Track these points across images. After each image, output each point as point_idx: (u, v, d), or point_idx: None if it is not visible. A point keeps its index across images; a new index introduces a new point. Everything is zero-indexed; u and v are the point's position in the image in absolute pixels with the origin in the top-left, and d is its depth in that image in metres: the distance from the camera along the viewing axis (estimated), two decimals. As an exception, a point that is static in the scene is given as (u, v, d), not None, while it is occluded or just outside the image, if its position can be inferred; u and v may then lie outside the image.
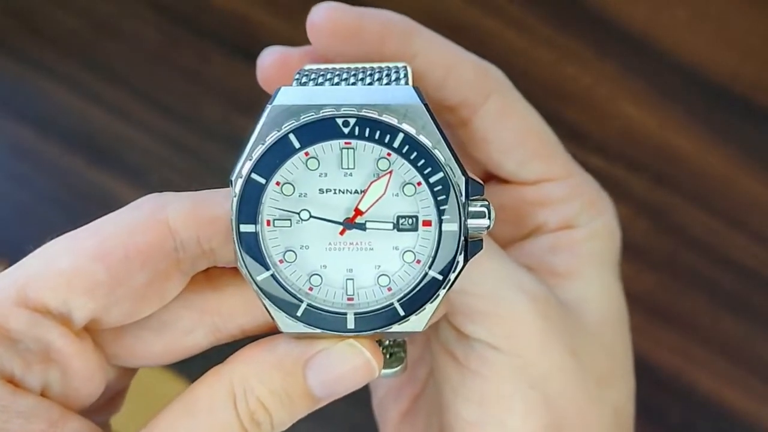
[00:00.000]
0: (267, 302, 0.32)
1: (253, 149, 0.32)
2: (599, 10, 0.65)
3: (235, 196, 0.32)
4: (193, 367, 0.37)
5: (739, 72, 0.65)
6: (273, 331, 0.35)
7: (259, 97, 0.65)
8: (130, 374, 0.40)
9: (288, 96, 0.32)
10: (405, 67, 0.34)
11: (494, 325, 0.37)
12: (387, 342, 0.39)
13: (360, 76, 0.33)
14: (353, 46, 0.39)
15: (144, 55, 0.67)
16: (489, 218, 0.32)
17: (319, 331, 0.33)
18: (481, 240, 0.33)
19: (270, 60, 0.42)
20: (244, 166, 0.32)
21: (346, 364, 0.33)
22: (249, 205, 0.32)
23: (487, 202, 0.32)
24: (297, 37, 0.66)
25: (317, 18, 0.39)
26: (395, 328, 0.33)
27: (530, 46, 0.65)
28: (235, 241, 0.32)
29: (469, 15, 0.65)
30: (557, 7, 0.66)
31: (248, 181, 0.32)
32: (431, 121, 0.32)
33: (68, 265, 0.33)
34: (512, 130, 0.42)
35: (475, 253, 0.32)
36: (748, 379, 0.64)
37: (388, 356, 0.38)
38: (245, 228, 0.32)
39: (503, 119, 0.42)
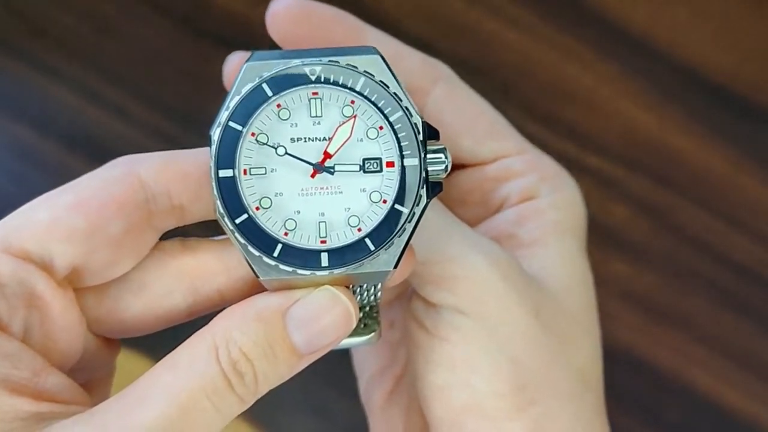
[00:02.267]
0: (244, 243, 0.34)
1: (230, 100, 0.35)
2: (600, 10, 0.65)
3: (213, 144, 0.34)
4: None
5: (740, 72, 0.65)
6: (251, 294, 0.36)
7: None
8: (112, 353, 0.40)
9: (262, 55, 0.35)
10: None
11: (459, 288, 0.39)
12: (361, 309, 0.40)
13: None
14: (308, 31, 0.43)
15: (144, 55, 0.67)
16: (446, 157, 0.35)
17: (297, 272, 0.34)
18: (441, 183, 0.36)
19: (236, 64, 0.44)
20: (222, 116, 0.34)
21: (325, 312, 0.34)
22: (227, 151, 0.34)
23: (443, 146, 0.35)
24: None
25: (276, 7, 0.43)
26: (367, 266, 0.35)
27: (531, 47, 0.65)
28: (214, 186, 0.34)
29: (469, 16, 0.66)
30: (558, 7, 0.66)
31: (226, 128, 0.34)
32: (389, 71, 0.35)
33: (47, 216, 0.35)
34: (463, 113, 0.45)
35: (436, 194, 0.35)
36: (747, 380, 0.64)
37: (362, 326, 0.40)
38: (224, 173, 0.34)
39: (453, 102, 0.45)
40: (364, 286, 0.38)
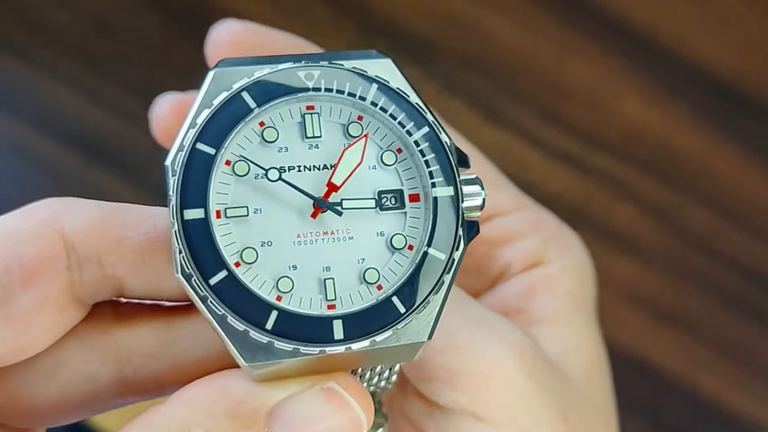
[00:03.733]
0: (222, 313, 0.24)
1: (197, 115, 0.25)
2: (603, 7, 0.65)
3: (174, 173, 0.25)
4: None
5: (746, 70, 0.65)
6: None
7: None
8: None
9: (233, 61, 0.26)
10: None
11: (476, 388, 0.31)
12: None
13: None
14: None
15: (143, 54, 0.66)
16: (482, 188, 0.27)
17: (301, 351, 0.24)
18: (477, 223, 0.27)
19: (167, 108, 0.37)
20: (186, 137, 0.25)
21: (325, 418, 0.25)
22: (195, 184, 0.25)
23: (474, 174, 0.27)
24: (297, 34, 0.66)
25: (218, 34, 0.37)
26: (394, 337, 0.25)
27: (534, 43, 0.65)
28: (176, 234, 0.24)
29: (472, 12, 0.65)
30: (560, 3, 0.65)
31: (193, 152, 0.25)
32: (404, 78, 0.27)
33: None
34: None
35: (473, 237, 0.27)
36: (752, 382, 0.63)
37: None
38: (191, 214, 0.24)
39: None
40: (379, 367, 0.29)
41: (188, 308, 0.28)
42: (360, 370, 0.28)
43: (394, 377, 0.30)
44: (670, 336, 0.64)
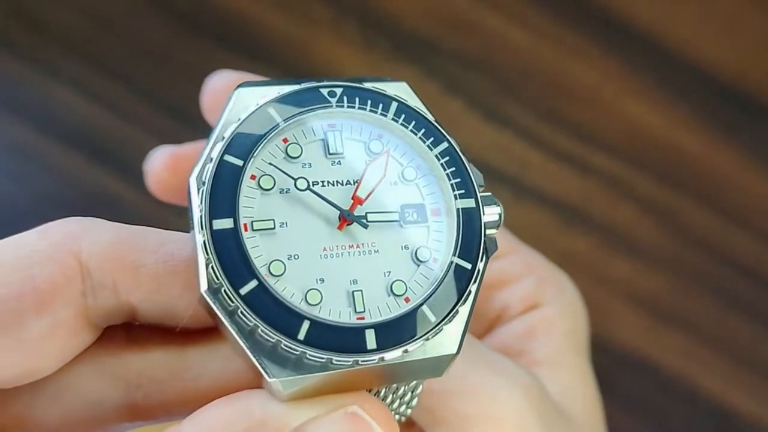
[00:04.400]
0: (254, 324, 0.24)
1: (224, 129, 0.26)
2: (605, 7, 0.65)
3: (203, 186, 0.25)
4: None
5: (747, 71, 0.65)
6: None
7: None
8: None
9: (254, 83, 0.27)
10: None
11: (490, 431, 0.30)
12: None
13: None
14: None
15: (145, 54, 0.66)
16: (498, 205, 0.28)
17: (334, 361, 0.24)
18: (495, 239, 0.28)
19: (161, 163, 0.37)
20: (213, 149, 0.25)
21: None
22: (223, 195, 0.25)
23: (489, 193, 0.28)
24: (296, 34, 0.66)
25: (214, 83, 0.37)
26: (421, 349, 0.25)
27: (535, 44, 0.65)
28: (206, 246, 0.24)
29: (474, 13, 0.65)
30: (562, 4, 0.65)
31: (221, 164, 0.25)
32: (419, 99, 0.28)
33: None
34: None
35: (492, 252, 0.27)
36: (752, 382, 0.63)
37: None
38: (220, 224, 0.24)
39: None
40: (402, 388, 0.28)
41: (200, 334, 0.28)
42: (383, 392, 0.28)
43: (416, 401, 0.29)
44: (670, 336, 0.64)
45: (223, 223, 0.24)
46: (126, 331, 0.28)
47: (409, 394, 0.29)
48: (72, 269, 0.25)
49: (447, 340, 0.26)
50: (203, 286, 0.24)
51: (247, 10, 0.66)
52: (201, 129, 0.65)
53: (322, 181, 0.26)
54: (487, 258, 0.27)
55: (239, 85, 0.27)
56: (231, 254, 0.24)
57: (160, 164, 0.38)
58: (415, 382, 0.28)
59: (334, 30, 0.65)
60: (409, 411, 0.29)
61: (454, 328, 0.26)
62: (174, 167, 0.37)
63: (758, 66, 0.65)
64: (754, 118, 0.64)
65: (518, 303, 0.39)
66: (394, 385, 0.28)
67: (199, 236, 0.24)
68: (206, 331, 0.27)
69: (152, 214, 0.61)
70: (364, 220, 0.26)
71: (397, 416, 0.29)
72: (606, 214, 0.63)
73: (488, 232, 0.27)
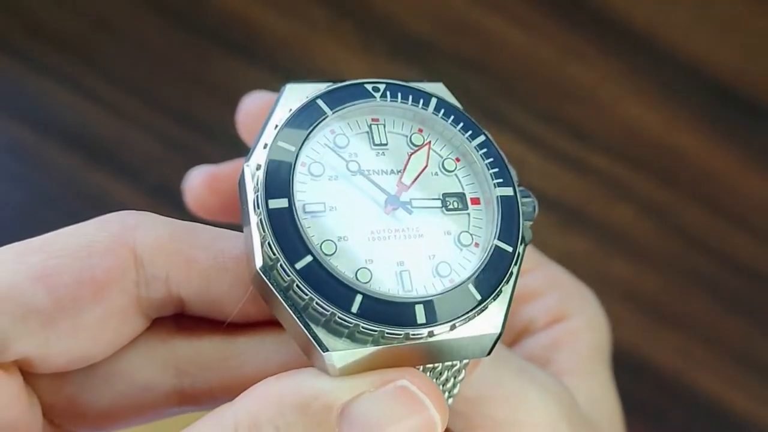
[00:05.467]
0: (309, 296, 0.25)
1: (277, 119, 0.28)
2: (603, 8, 0.65)
3: (258, 169, 0.26)
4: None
5: (744, 71, 0.65)
6: None
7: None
8: None
9: (300, 81, 0.29)
10: None
11: None
12: None
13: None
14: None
15: (143, 55, 0.66)
16: (534, 199, 0.29)
17: (386, 333, 0.25)
18: (530, 231, 0.29)
19: (200, 182, 0.38)
20: (267, 136, 0.27)
21: (399, 420, 0.24)
22: (278, 177, 0.26)
23: (522, 187, 0.29)
24: (294, 36, 0.66)
25: (250, 103, 0.38)
26: (467, 327, 0.26)
27: (534, 44, 0.65)
28: (262, 223, 0.25)
29: (472, 14, 0.65)
30: (560, 5, 0.65)
31: (275, 149, 0.27)
32: (454, 98, 0.30)
33: (3, 282, 0.25)
34: None
35: (529, 242, 0.29)
36: (750, 381, 0.64)
37: None
38: (275, 203, 0.26)
39: None
40: (446, 374, 0.29)
41: (246, 326, 0.29)
42: (429, 372, 0.28)
43: (459, 387, 0.30)
44: (669, 336, 0.64)
45: (279, 203, 0.26)
46: (175, 320, 0.29)
47: (452, 380, 0.29)
48: (127, 261, 0.26)
49: (491, 320, 0.27)
50: (258, 263, 0.25)
51: (246, 11, 0.66)
52: (200, 129, 0.65)
53: (369, 170, 0.28)
54: (526, 244, 0.28)
55: (288, 82, 0.29)
56: (287, 230, 0.25)
57: (198, 183, 0.39)
58: (457, 367, 0.29)
59: (332, 31, 0.65)
60: (450, 401, 0.30)
61: (498, 308, 0.27)
62: (212, 186, 0.38)
63: (757, 66, 0.65)
64: (752, 118, 0.64)
65: (544, 316, 0.39)
66: (438, 370, 0.29)
67: (254, 216, 0.26)
68: (252, 325, 0.29)
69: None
70: (409, 206, 0.28)
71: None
72: (604, 214, 0.63)
73: (525, 221, 0.28)
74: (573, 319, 0.40)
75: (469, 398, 0.30)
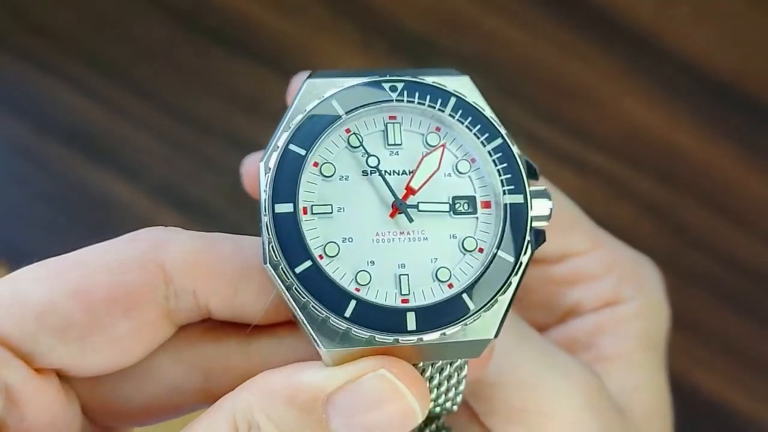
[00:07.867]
0: (306, 300, 0.26)
1: (290, 119, 0.28)
2: (603, 7, 0.65)
3: (268, 172, 0.27)
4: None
5: (745, 70, 0.65)
6: None
7: (260, 95, 0.65)
8: None
9: (324, 73, 0.29)
10: None
11: (535, 426, 0.31)
12: (433, 422, 0.32)
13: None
14: None
15: (143, 53, 0.66)
16: (550, 199, 0.29)
17: (376, 339, 0.26)
18: (544, 232, 0.29)
19: (255, 168, 0.39)
20: (280, 138, 0.28)
21: (378, 407, 0.26)
22: (286, 181, 0.27)
23: (543, 187, 0.29)
24: (294, 34, 0.66)
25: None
26: (461, 332, 0.27)
27: (533, 43, 0.65)
28: (268, 226, 0.27)
29: (472, 12, 0.65)
30: (560, 4, 0.65)
31: (285, 152, 0.27)
32: (480, 94, 0.30)
33: (40, 298, 0.27)
34: None
35: (540, 244, 0.29)
36: (752, 380, 0.63)
37: None
38: (281, 208, 0.27)
39: None
40: (447, 369, 0.30)
41: (268, 327, 0.30)
42: (429, 372, 0.29)
43: (460, 396, 0.31)
44: (669, 335, 0.64)
45: (284, 208, 0.27)
46: (201, 323, 0.31)
47: (456, 375, 0.30)
48: (157, 276, 0.28)
49: (486, 325, 0.27)
50: (265, 261, 0.27)
51: (247, 10, 0.66)
52: (200, 127, 0.65)
53: (381, 170, 0.28)
54: (533, 251, 0.28)
55: (310, 75, 0.29)
56: (289, 236, 0.27)
57: (253, 169, 0.40)
58: (458, 363, 0.30)
59: (332, 29, 0.65)
60: (459, 398, 0.31)
61: (494, 314, 0.27)
62: None
63: (755, 65, 0.65)
64: (752, 117, 0.64)
65: (593, 300, 0.39)
66: (438, 365, 0.30)
67: (264, 217, 0.27)
68: (270, 325, 0.30)
69: (148, 213, 0.62)
70: (415, 209, 0.28)
71: (448, 403, 0.31)
72: (605, 213, 0.63)
73: (537, 224, 0.29)
74: (625, 304, 0.39)
75: (490, 383, 0.31)
